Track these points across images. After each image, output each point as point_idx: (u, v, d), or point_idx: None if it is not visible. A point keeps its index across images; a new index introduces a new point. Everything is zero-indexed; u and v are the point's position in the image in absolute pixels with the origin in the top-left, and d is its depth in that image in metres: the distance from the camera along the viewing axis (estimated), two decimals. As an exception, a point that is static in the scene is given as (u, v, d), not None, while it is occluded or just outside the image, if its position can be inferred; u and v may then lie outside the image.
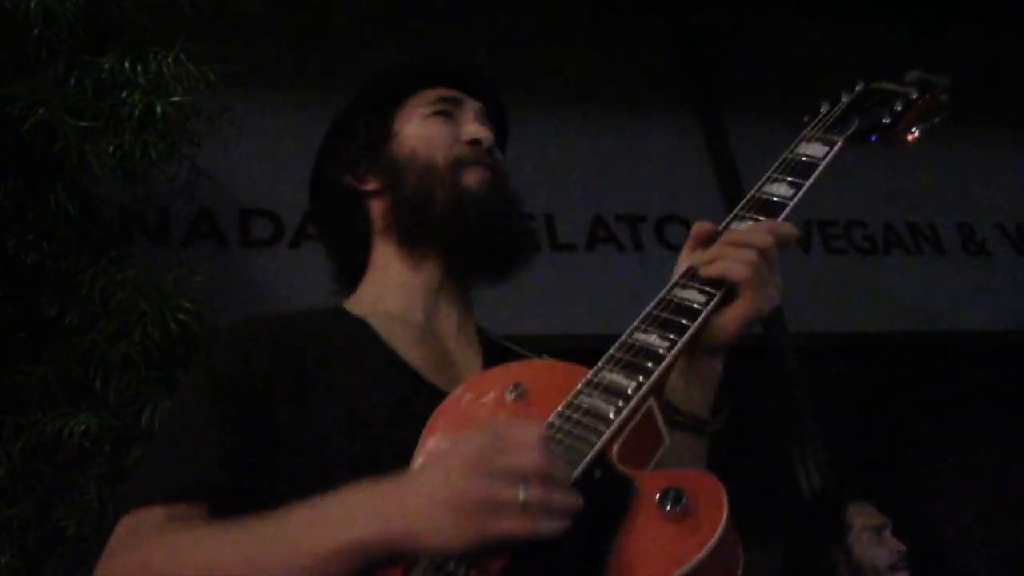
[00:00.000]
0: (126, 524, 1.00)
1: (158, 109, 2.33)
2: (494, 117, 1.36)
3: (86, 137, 2.27)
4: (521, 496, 0.81)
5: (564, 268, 3.68)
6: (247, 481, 1.01)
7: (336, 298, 1.32)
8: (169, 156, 2.45)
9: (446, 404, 1.01)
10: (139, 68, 2.36)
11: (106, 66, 2.35)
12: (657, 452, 0.97)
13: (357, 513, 0.86)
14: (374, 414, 1.07)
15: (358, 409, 1.07)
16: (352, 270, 1.33)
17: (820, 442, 3.62)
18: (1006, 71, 4.72)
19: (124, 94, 2.34)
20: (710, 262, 1.03)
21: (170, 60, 2.37)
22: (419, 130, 1.29)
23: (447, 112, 1.31)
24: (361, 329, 1.20)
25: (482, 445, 0.84)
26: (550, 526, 0.81)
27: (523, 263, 1.27)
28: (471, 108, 1.32)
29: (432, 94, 1.33)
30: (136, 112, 2.33)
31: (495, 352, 1.24)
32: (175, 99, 2.35)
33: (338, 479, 0.90)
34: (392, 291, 1.26)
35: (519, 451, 0.83)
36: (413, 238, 1.26)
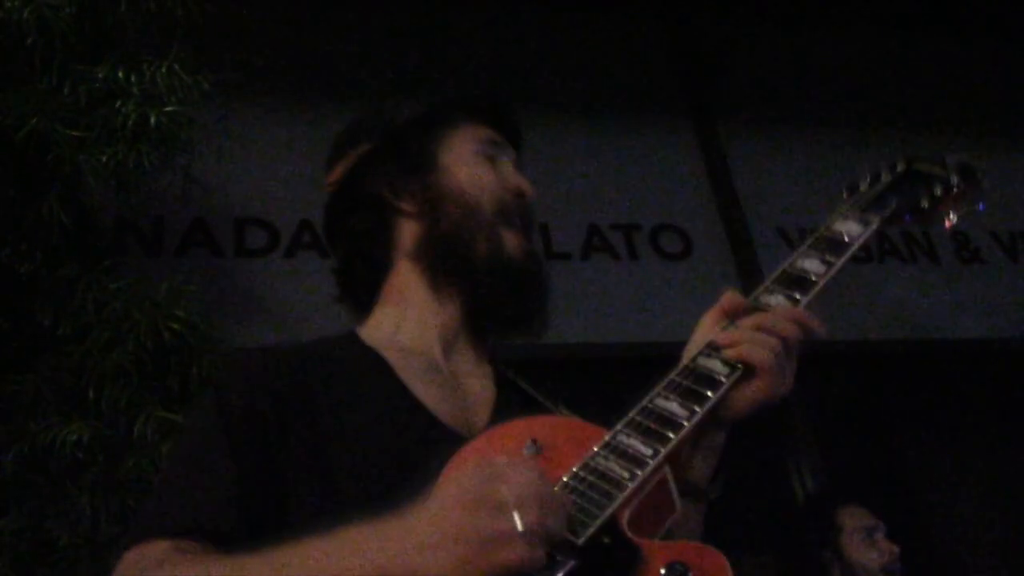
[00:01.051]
0: (130, 558, 0.98)
1: (152, 119, 2.33)
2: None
3: (80, 147, 2.27)
4: (520, 526, 0.80)
5: (559, 277, 3.65)
6: (255, 519, 1.00)
7: (355, 327, 1.28)
8: (163, 166, 2.45)
9: (463, 453, 0.98)
10: (133, 78, 2.36)
11: (100, 76, 2.35)
12: (668, 520, 0.97)
13: (356, 554, 0.84)
14: (388, 457, 1.06)
15: (372, 451, 1.06)
16: (362, 286, 1.31)
17: (815, 449, 3.62)
18: (1001, 80, 4.74)
19: (118, 104, 2.34)
20: (735, 342, 1.04)
21: (164, 70, 2.37)
22: (469, 168, 1.29)
23: (491, 155, 1.32)
24: (376, 364, 1.18)
25: (479, 479, 0.83)
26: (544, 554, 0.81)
27: (541, 325, 1.28)
28: (511, 156, 1.35)
29: (480, 132, 1.33)
30: (130, 122, 2.32)
31: (510, 393, 1.23)
32: (169, 109, 2.35)
33: (349, 522, 0.88)
34: (412, 324, 1.25)
35: (514, 482, 0.82)
36: (445, 274, 1.25)
